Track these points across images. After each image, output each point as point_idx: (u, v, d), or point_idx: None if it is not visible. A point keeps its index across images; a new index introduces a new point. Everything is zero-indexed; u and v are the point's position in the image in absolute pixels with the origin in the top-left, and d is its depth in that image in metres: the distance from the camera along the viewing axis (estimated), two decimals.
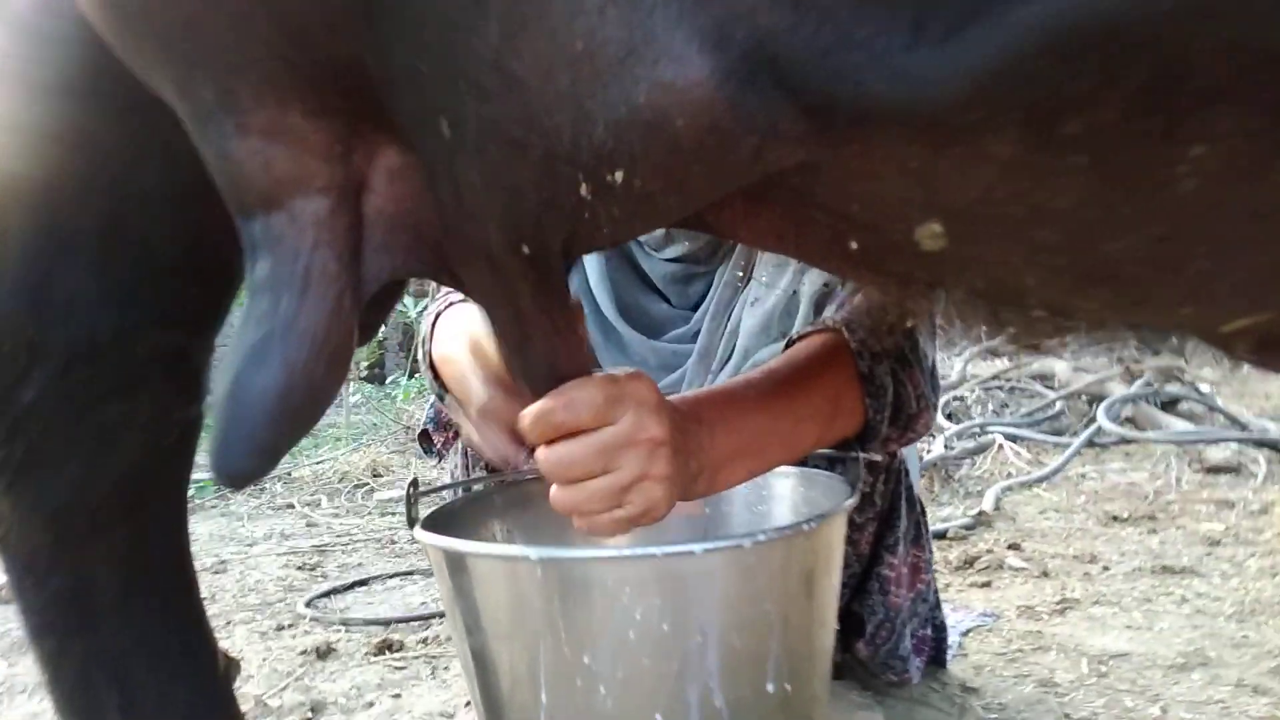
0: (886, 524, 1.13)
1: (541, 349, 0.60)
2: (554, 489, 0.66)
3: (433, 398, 1.23)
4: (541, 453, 0.65)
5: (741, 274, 1.15)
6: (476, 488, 0.93)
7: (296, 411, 0.50)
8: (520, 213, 0.47)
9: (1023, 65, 0.33)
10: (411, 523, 0.73)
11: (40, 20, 0.63)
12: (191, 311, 0.74)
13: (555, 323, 0.58)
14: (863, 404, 0.85)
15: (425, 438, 1.26)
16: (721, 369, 1.10)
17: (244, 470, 0.51)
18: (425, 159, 0.48)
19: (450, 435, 1.21)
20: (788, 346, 0.95)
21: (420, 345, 1.05)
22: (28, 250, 0.66)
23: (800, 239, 0.64)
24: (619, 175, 0.42)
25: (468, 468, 1.17)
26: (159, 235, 0.69)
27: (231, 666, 0.81)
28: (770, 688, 0.63)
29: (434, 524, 0.75)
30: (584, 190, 0.43)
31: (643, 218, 0.50)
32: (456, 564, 0.66)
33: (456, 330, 0.91)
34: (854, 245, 0.57)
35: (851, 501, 0.70)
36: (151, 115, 0.63)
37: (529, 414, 0.65)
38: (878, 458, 0.82)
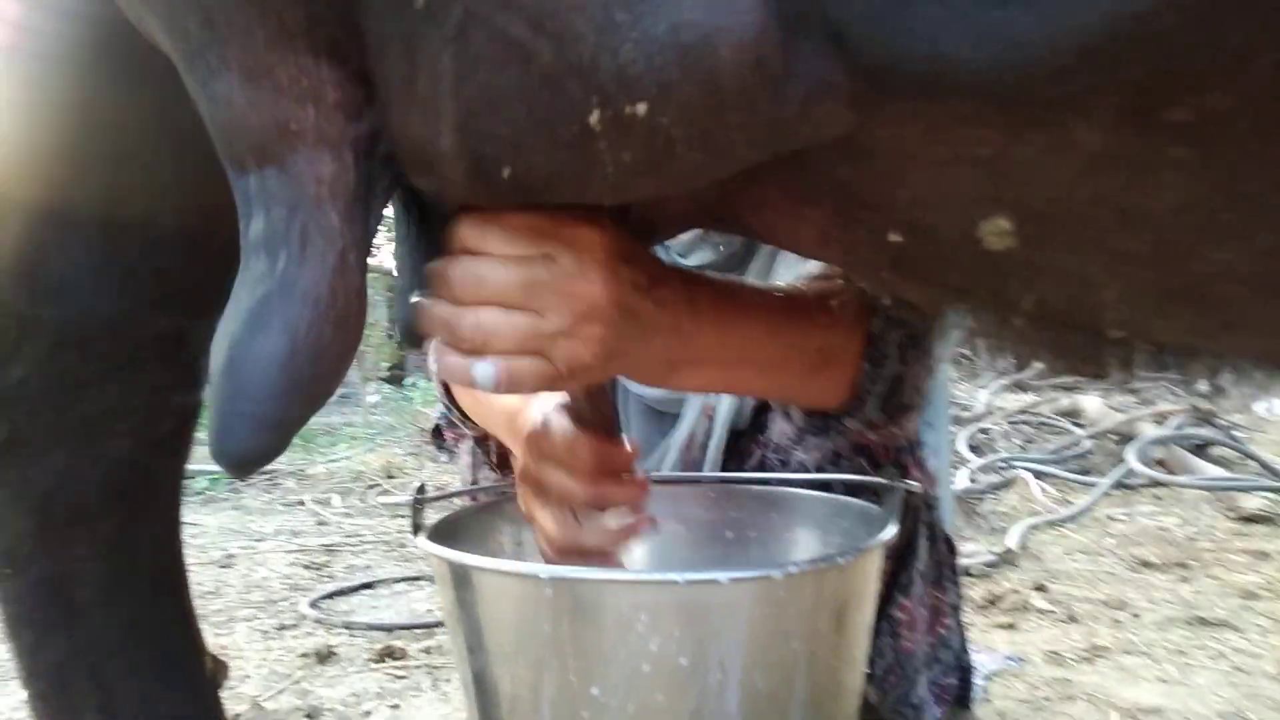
0: (901, 562, 1.04)
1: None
2: (452, 312, 0.53)
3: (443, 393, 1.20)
4: (445, 267, 0.53)
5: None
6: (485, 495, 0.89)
7: (304, 381, 0.44)
8: (494, 128, 0.40)
9: (1140, 30, 0.28)
10: (416, 530, 0.68)
11: None
12: (192, 293, 0.70)
13: None
14: (858, 367, 0.75)
15: (438, 434, 1.21)
16: None
17: (249, 451, 0.45)
18: (376, 23, 0.41)
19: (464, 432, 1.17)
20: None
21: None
22: (23, 223, 0.63)
23: (846, 243, 0.58)
24: (641, 108, 0.36)
25: (474, 467, 1.13)
26: (162, 213, 0.66)
27: (219, 669, 0.77)
28: None
29: (441, 532, 0.70)
30: (593, 119, 0.37)
31: (654, 173, 0.42)
32: (461, 577, 0.62)
33: None
34: (907, 250, 0.52)
35: (891, 533, 0.65)
36: (160, 90, 0.60)
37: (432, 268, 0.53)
38: (916, 487, 0.77)
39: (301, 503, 3.21)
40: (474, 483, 1.09)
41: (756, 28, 0.34)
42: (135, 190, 0.65)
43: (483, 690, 0.63)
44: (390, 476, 3.67)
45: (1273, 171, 0.34)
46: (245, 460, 0.46)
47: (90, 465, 0.67)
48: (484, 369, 0.53)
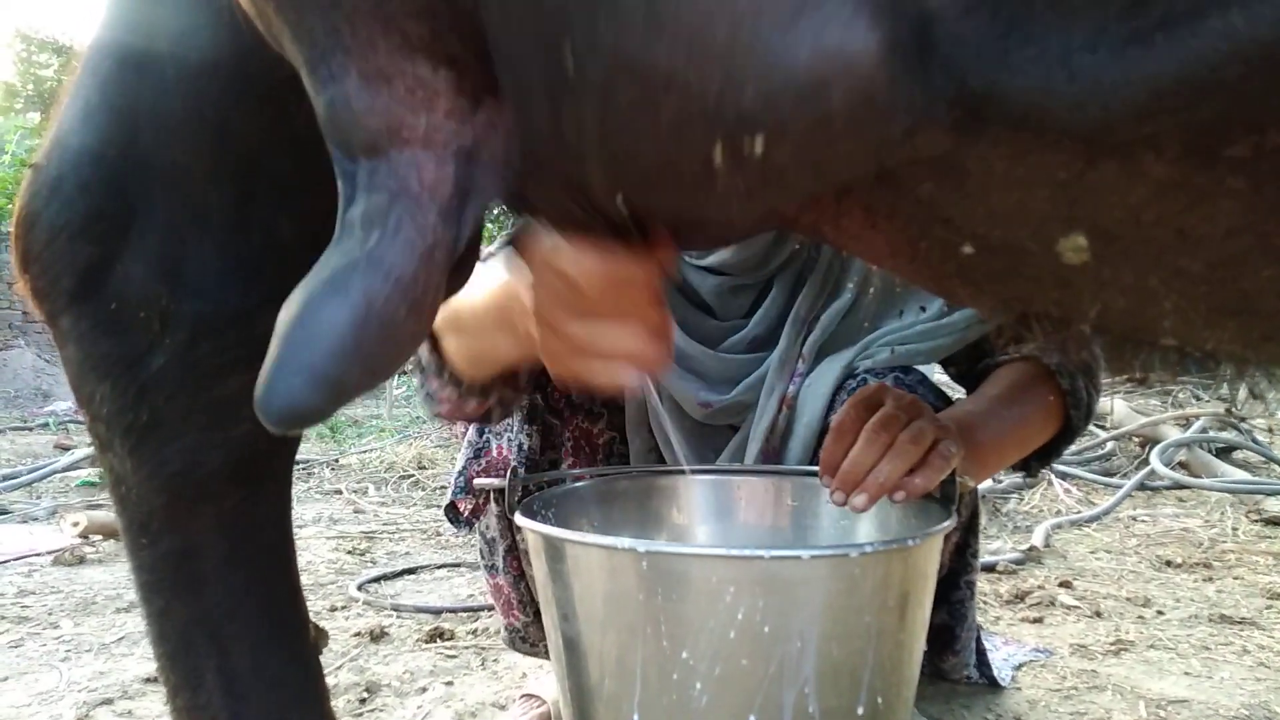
0: (970, 531, 1.18)
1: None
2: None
3: (459, 464, 1.17)
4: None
5: (821, 289, 1.16)
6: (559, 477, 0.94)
7: (368, 349, 0.44)
8: (633, 168, 0.44)
9: (1212, 78, 0.33)
10: (511, 509, 0.74)
11: (189, 10, 0.66)
12: None
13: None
14: (1065, 414, 1.03)
15: (452, 509, 1.19)
16: (806, 374, 1.10)
17: (298, 405, 0.43)
18: (521, 80, 0.44)
19: (480, 502, 1.16)
20: (983, 372, 1.10)
21: None
22: (165, 224, 0.69)
23: (916, 255, 0.63)
24: (758, 144, 0.40)
25: (510, 527, 1.14)
26: (283, 218, 0.72)
27: (320, 637, 0.83)
28: (862, 700, 0.64)
29: (529, 511, 0.76)
30: (716, 156, 0.41)
31: (765, 197, 0.46)
32: (557, 551, 0.68)
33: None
34: (978, 261, 0.57)
35: (951, 522, 0.70)
36: (282, 106, 0.67)
37: None
38: (972, 482, 0.83)
39: (339, 492, 3.29)
40: (509, 536, 1.14)
41: (868, 72, 0.38)
42: (260, 196, 0.71)
43: (574, 654, 0.69)
44: (422, 468, 3.75)
45: None
46: (290, 413, 0.44)
47: (217, 447, 0.73)
48: None
